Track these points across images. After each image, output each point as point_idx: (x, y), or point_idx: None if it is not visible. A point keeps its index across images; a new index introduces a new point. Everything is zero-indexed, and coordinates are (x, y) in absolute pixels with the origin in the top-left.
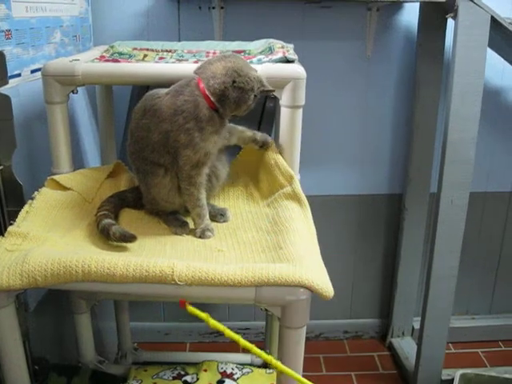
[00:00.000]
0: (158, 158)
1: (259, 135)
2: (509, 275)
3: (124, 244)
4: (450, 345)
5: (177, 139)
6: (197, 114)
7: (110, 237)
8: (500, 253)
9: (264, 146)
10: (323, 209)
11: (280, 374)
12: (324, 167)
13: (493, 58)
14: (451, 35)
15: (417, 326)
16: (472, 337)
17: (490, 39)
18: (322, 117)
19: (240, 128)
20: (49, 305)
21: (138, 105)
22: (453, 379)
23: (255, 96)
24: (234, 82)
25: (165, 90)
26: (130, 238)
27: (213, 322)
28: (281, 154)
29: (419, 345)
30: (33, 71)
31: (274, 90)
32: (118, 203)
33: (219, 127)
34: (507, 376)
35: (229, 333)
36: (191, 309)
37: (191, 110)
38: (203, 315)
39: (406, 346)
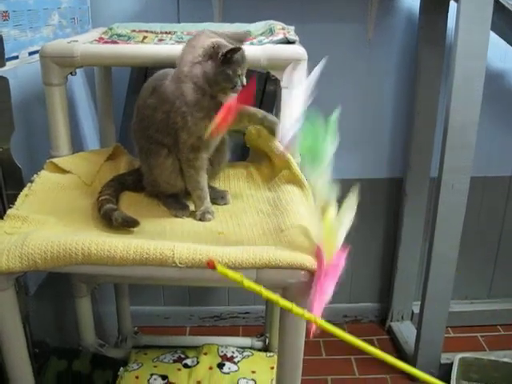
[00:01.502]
0: (161, 137)
1: (268, 120)
2: (508, 260)
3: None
4: (449, 329)
5: (175, 121)
6: (186, 100)
7: (112, 222)
8: (500, 238)
9: (270, 132)
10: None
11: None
12: None
13: (495, 41)
14: (453, 18)
15: (416, 310)
16: (471, 321)
17: (492, 22)
18: (321, 100)
19: (252, 110)
20: (49, 288)
21: (148, 83)
22: (452, 363)
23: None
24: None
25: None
26: (133, 224)
27: (247, 283)
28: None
29: (419, 329)
30: (31, 53)
31: (239, 49)
32: (119, 187)
33: (209, 113)
34: (506, 360)
35: (266, 294)
36: (222, 269)
37: (183, 94)
38: (236, 276)
39: (405, 330)
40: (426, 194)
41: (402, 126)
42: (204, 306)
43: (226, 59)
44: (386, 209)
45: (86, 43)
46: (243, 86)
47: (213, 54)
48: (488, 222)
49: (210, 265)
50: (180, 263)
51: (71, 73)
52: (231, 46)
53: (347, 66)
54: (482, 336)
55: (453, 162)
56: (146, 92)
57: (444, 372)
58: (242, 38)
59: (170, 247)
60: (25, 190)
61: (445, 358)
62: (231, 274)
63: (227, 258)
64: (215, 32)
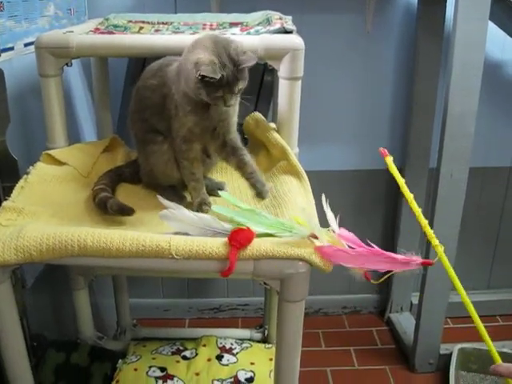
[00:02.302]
0: (156, 122)
1: (258, 184)
2: (507, 251)
3: (121, 218)
4: (448, 320)
5: (169, 107)
6: (179, 89)
7: (107, 210)
8: (498, 228)
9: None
10: (321, 184)
11: None
12: (322, 142)
13: (493, 31)
14: (452, 8)
15: (415, 301)
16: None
17: (490, 12)
18: (321, 92)
19: (247, 158)
20: (46, 281)
21: (153, 64)
22: (451, 353)
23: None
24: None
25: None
26: (128, 211)
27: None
28: (280, 127)
29: (418, 320)
30: (26, 44)
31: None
32: (115, 178)
33: (197, 108)
34: (505, 350)
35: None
36: (390, 163)
37: (178, 83)
38: (400, 180)
39: (404, 321)
40: (425, 185)
41: (401, 116)
42: (203, 298)
43: (203, 79)
44: (385, 199)
45: (82, 34)
46: (226, 105)
47: (194, 68)
48: (487, 212)
49: (383, 153)
50: (177, 255)
51: (67, 64)
52: (210, 71)
53: (345, 56)
54: None
55: (451, 151)
56: (149, 73)
57: (443, 362)
58: (241, 62)
59: (166, 239)
60: (21, 182)
61: (444, 348)
62: (397, 175)
63: (224, 249)
64: (223, 41)
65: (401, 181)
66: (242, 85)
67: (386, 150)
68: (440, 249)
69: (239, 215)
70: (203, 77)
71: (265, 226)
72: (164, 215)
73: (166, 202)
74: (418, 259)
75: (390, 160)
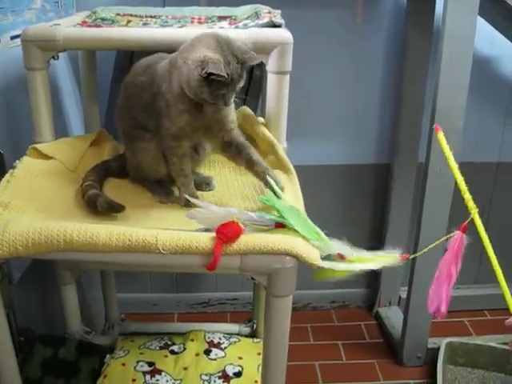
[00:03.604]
0: (145, 119)
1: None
2: (495, 246)
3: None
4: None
5: (159, 105)
6: (171, 88)
7: (97, 208)
8: (486, 223)
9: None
10: (310, 179)
11: None
12: (311, 137)
13: (482, 26)
14: (441, 3)
15: (404, 295)
16: (458, 306)
17: (480, 7)
18: (309, 86)
19: (255, 157)
20: (34, 276)
21: (141, 61)
22: (439, 347)
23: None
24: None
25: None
26: (118, 208)
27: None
28: (268, 121)
29: (406, 314)
30: (13, 37)
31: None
32: (103, 173)
33: (191, 107)
34: (492, 344)
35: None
36: (441, 139)
37: (171, 82)
38: (447, 151)
39: (392, 316)
40: (414, 179)
41: (390, 111)
42: (192, 293)
43: (209, 78)
44: (374, 194)
45: (69, 27)
46: (226, 105)
47: (200, 66)
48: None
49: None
50: (163, 249)
51: (53, 57)
52: (219, 69)
53: (335, 51)
54: (468, 321)
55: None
56: (138, 70)
57: (431, 356)
58: (246, 60)
59: (153, 234)
60: (7, 176)
61: (432, 342)
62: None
63: (211, 243)
64: (225, 39)
65: (449, 154)
66: (242, 83)
67: (439, 126)
68: (475, 211)
69: (287, 210)
70: (209, 75)
71: (304, 228)
72: (192, 215)
73: (196, 202)
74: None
75: (441, 135)
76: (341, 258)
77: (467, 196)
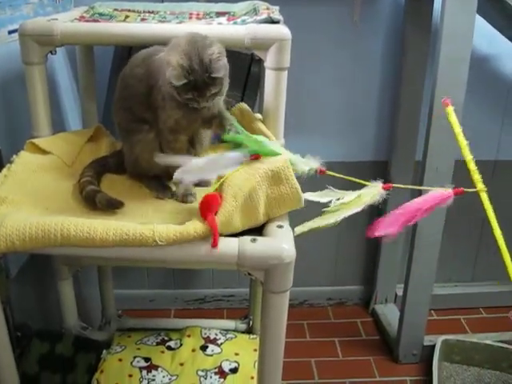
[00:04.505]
0: (142, 111)
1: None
2: (491, 244)
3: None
4: (432, 311)
5: (156, 98)
6: (166, 82)
7: (95, 205)
8: (482, 222)
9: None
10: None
11: None
12: (308, 134)
13: (481, 25)
14: (439, 1)
15: (400, 292)
16: (454, 304)
17: (478, 6)
18: (307, 83)
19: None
20: (31, 271)
21: (141, 52)
22: (435, 345)
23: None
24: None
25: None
26: (117, 205)
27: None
28: (266, 117)
29: (402, 311)
30: (10, 32)
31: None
32: (100, 169)
33: (181, 103)
34: (488, 342)
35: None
36: (450, 112)
37: (165, 75)
38: (456, 126)
39: (388, 313)
40: (411, 177)
41: (388, 108)
42: (188, 289)
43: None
44: None
45: (67, 22)
46: (199, 107)
47: (166, 69)
48: (472, 205)
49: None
50: (160, 241)
51: (51, 52)
52: (174, 77)
53: (332, 48)
54: (464, 318)
55: (437, 144)
56: (136, 61)
57: (426, 353)
58: (212, 70)
59: (149, 227)
60: (4, 171)
61: (428, 339)
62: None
63: (203, 226)
64: (201, 43)
65: (458, 129)
66: (214, 90)
67: (448, 100)
68: (484, 192)
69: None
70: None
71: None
72: (176, 176)
73: (172, 160)
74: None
75: (450, 109)
76: (321, 172)
77: (476, 176)
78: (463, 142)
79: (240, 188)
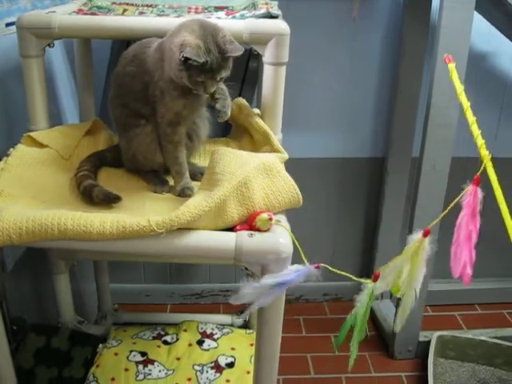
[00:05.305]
0: (139, 107)
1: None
2: (486, 241)
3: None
4: (428, 308)
5: (153, 93)
6: (164, 76)
7: (92, 199)
8: (481, 219)
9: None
10: (304, 172)
11: None
12: (305, 129)
13: (479, 22)
14: None
15: None
16: (450, 300)
17: (476, 2)
18: (305, 79)
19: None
20: (27, 264)
21: (129, 50)
22: (430, 341)
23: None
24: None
25: (158, 40)
26: (115, 199)
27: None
28: (264, 113)
29: (398, 307)
30: (8, 24)
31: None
32: (97, 163)
33: (185, 92)
34: (483, 338)
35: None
36: (452, 70)
37: (162, 69)
38: (458, 85)
39: (384, 309)
40: (408, 174)
41: (385, 104)
42: (185, 284)
43: (186, 62)
44: (368, 188)
45: (65, 15)
46: (206, 92)
47: (179, 49)
48: None
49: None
50: (158, 229)
51: (49, 45)
52: (195, 54)
53: (331, 44)
54: (459, 315)
55: (434, 141)
56: (126, 59)
57: (422, 349)
58: (228, 51)
59: (146, 218)
60: (1, 164)
61: (423, 335)
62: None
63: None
64: (211, 27)
65: (460, 88)
66: (224, 73)
67: (450, 57)
68: (488, 158)
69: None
70: (186, 59)
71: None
72: (235, 299)
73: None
74: None
75: (452, 66)
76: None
77: (480, 142)
78: (465, 102)
79: (234, 174)
